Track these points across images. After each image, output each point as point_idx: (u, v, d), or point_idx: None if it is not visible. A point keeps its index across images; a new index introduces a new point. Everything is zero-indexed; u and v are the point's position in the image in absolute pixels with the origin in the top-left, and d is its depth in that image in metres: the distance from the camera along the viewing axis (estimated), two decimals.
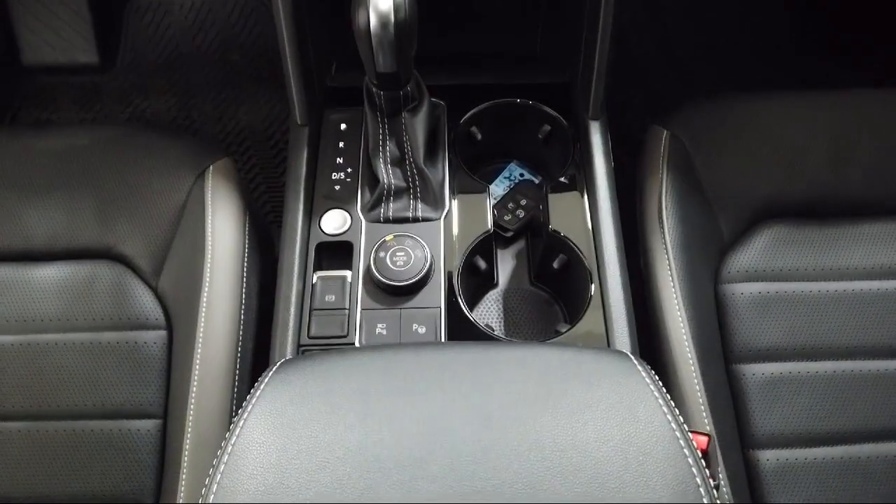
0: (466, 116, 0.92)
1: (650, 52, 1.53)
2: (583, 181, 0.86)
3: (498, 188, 0.92)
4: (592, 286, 0.78)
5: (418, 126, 0.83)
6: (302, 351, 0.75)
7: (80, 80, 1.55)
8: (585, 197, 0.85)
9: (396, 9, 0.68)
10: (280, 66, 0.85)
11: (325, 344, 0.75)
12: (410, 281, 0.77)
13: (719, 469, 0.67)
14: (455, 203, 0.85)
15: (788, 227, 0.90)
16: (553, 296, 0.85)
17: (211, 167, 0.89)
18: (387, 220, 0.83)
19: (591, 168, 0.85)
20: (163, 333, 0.85)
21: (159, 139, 0.94)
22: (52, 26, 1.52)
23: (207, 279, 0.82)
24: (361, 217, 0.83)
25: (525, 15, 1.01)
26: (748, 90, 0.99)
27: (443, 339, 0.75)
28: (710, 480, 0.41)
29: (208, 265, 0.83)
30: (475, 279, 0.84)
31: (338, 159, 0.88)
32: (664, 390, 0.45)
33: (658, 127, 0.92)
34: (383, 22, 0.68)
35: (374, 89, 0.79)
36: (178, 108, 1.53)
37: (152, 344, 0.85)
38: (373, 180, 0.85)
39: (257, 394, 0.45)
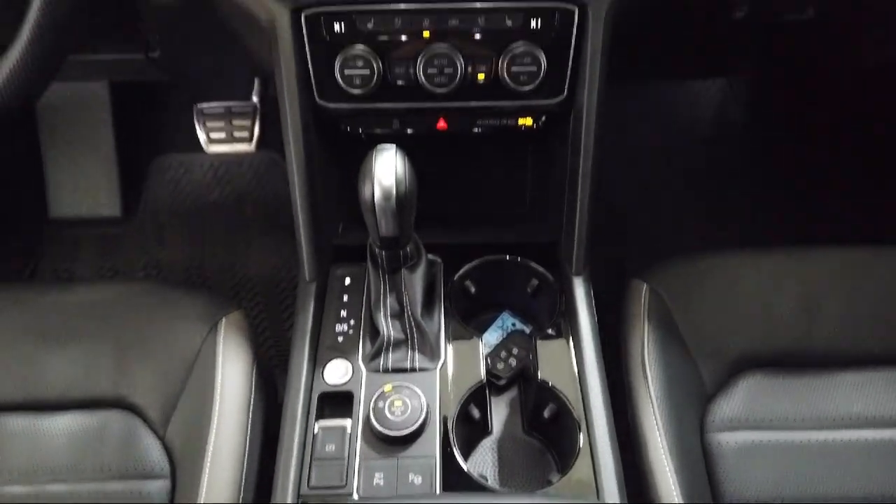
0: (461, 272, 0.99)
1: (633, 207, 1.65)
2: (569, 332, 0.92)
3: (492, 337, 0.98)
4: (581, 436, 0.82)
5: (416, 282, 0.91)
6: (302, 503, 0.77)
7: (101, 232, 1.66)
8: (572, 347, 0.91)
9: (398, 183, 0.77)
10: (291, 220, 0.94)
11: (324, 494, 0.78)
12: (407, 431, 0.80)
13: None
14: (451, 353, 0.90)
15: (768, 377, 0.94)
16: (545, 444, 0.88)
17: (223, 320, 0.95)
18: (386, 370, 0.88)
19: (576, 321, 0.92)
20: (166, 483, 0.87)
21: (175, 294, 1.01)
22: (80, 182, 1.65)
23: (214, 429, 0.86)
24: (362, 367, 0.88)
25: (513, 180, 1.12)
26: (725, 244, 1.08)
27: (438, 490, 0.77)
28: None
29: (216, 415, 0.87)
30: (470, 427, 0.87)
31: (342, 312, 0.95)
32: None
33: (638, 281, 0.99)
34: (386, 195, 0.77)
35: (376, 249, 0.87)
36: (192, 257, 1.62)
37: (156, 493, 0.87)
38: (374, 332, 0.91)
39: None
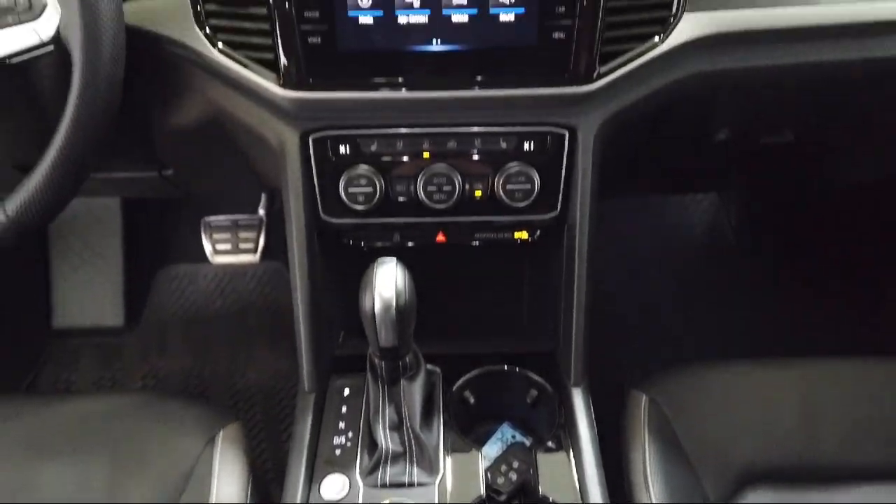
0: (459, 382, 1.00)
1: (631, 317, 1.67)
2: (569, 445, 0.92)
3: (491, 450, 0.96)
4: None
5: (415, 393, 0.91)
6: None
7: (102, 341, 1.67)
8: (573, 461, 0.90)
9: (398, 295, 0.79)
10: (292, 330, 0.96)
11: None
12: None
13: None
14: (449, 467, 0.89)
15: (772, 492, 0.92)
16: None
17: (221, 432, 0.94)
18: (384, 485, 0.86)
19: (576, 433, 0.91)
20: None
21: (172, 405, 1.01)
22: (85, 293, 1.68)
23: None
24: (360, 482, 0.87)
25: (511, 290, 1.15)
26: (724, 353, 1.09)
27: None
28: None
29: None
30: None
31: (340, 423, 0.95)
32: None
33: (637, 392, 0.99)
34: (386, 306, 0.79)
35: (376, 360, 0.88)
36: (192, 366, 1.62)
37: None
38: (372, 444, 0.91)
39: None
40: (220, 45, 0.84)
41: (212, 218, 1.59)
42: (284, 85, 0.85)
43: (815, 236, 1.74)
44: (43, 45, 0.69)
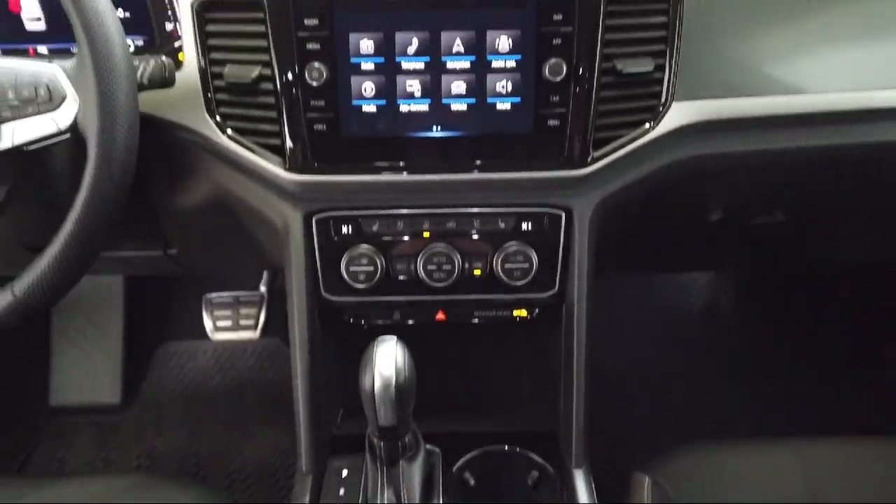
0: (459, 463, 0.98)
1: (632, 395, 1.65)
2: None
3: None
4: None
5: (415, 474, 0.89)
6: None
7: (98, 420, 1.64)
8: None
9: (398, 373, 0.79)
10: (290, 408, 0.95)
11: None
12: None
13: None
14: None
15: None
16: None
17: None
18: None
19: None
20: None
21: (165, 489, 0.99)
22: (83, 370, 1.67)
23: None
24: None
25: (511, 368, 1.15)
26: (725, 433, 1.08)
27: None
28: None
29: None
30: None
31: None
32: None
33: (640, 474, 0.98)
34: (386, 385, 0.79)
35: (375, 440, 0.88)
36: (188, 444, 1.59)
37: None
38: None
39: None
40: (229, 131, 0.88)
41: (213, 295, 1.60)
42: (290, 169, 0.88)
43: (814, 313, 1.74)
44: (60, 133, 0.72)
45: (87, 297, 1.65)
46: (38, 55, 0.98)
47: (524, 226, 0.93)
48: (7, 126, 0.71)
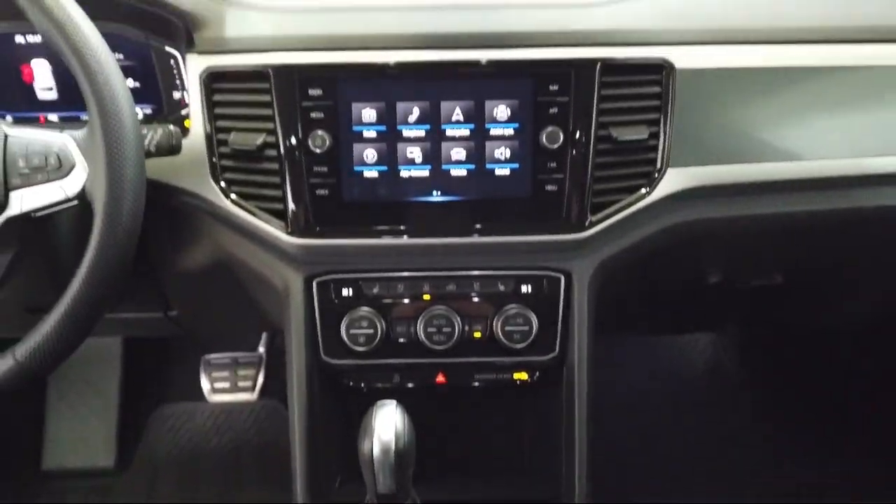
0: None
1: (636, 455, 1.62)
2: None
3: None
4: None
5: None
6: None
7: (91, 484, 1.61)
8: None
9: (397, 438, 0.79)
10: (287, 472, 0.93)
11: None
12: None
13: None
14: None
15: None
16: None
17: None
18: None
19: None
20: None
21: None
22: (78, 433, 1.64)
23: None
24: None
25: (512, 432, 1.13)
26: (731, 498, 1.05)
27: None
28: None
29: None
30: None
31: None
32: None
33: None
34: (385, 450, 0.78)
35: None
36: None
37: None
38: None
39: None
40: (233, 196, 0.90)
41: (212, 356, 1.59)
42: (292, 232, 0.89)
43: (820, 375, 1.73)
44: (68, 200, 0.73)
45: (84, 358, 1.63)
46: (48, 123, 1.01)
47: (524, 289, 0.94)
48: (16, 193, 0.73)
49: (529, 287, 0.94)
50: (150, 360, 1.74)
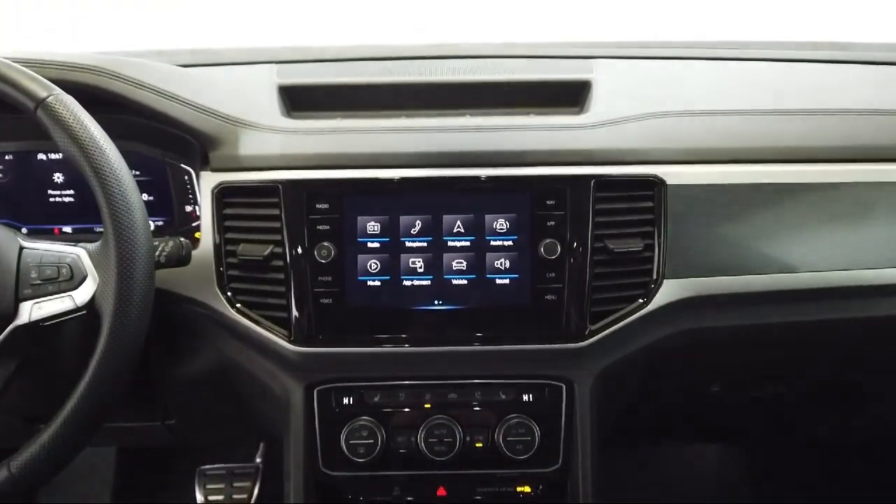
0: None
1: None
2: None
3: None
4: None
5: None
6: None
7: None
8: None
9: None
10: None
11: None
12: None
13: None
14: None
15: None
16: None
17: None
18: None
19: None
20: None
21: None
22: None
23: None
24: None
25: None
26: None
27: None
28: None
29: None
30: None
31: None
32: None
33: None
34: None
35: None
36: None
37: None
38: None
39: None
40: (238, 304, 0.91)
41: (207, 467, 1.55)
42: (294, 340, 0.90)
43: (831, 487, 1.67)
44: (77, 310, 0.75)
45: (76, 470, 1.59)
46: (63, 234, 1.04)
47: (525, 397, 0.94)
48: (26, 304, 0.75)
49: (531, 396, 0.94)
50: (143, 471, 1.69)
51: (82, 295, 0.75)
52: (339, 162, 0.92)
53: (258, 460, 1.58)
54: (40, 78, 0.77)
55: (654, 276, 0.91)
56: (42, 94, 0.75)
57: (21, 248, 0.77)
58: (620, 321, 0.90)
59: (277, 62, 1.15)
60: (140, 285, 0.74)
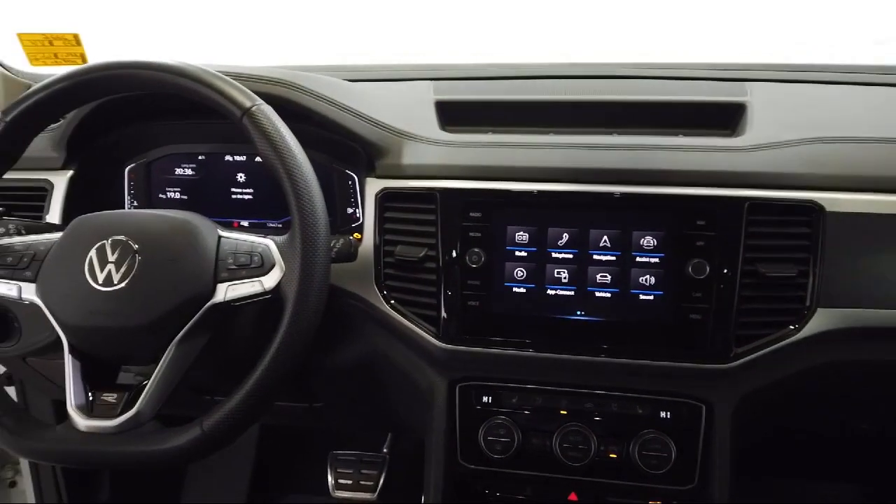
0: None
1: None
2: None
3: None
4: None
5: None
6: None
7: None
8: None
9: None
10: None
11: None
12: None
13: None
14: None
15: None
16: None
17: None
18: None
19: None
20: None
21: None
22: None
23: None
24: None
25: None
26: None
27: None
28: None
29: None
30: None
31: None
32: None
33: None
34: None
35: None
36: None
37: None
38: None
39: None
40: (392, 301, 0.99)
41: (339, 452, 1.65)
42: (441, 338, 0.97)
43: None
44: (264, 294, 0.85)
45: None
46: (240, 227, 1.17)
47: (663, 414, 0.95)
48: (222, 286, 0.85)
49: (668, 413, 0.95)
50: (281, 449, 1.83)
51: (270, 281, 0.84)
52: (493, 174, 0.98)
53: (385, 451, 1.66)
54: (245, 89, 0.87)
55: (808, 304, 0.89)
56: (247, 104, 0.85)
57: (219, 238, 0.88)
58: (768, 346, 0.89)
59: (432, 79, 1.24)
60: (319, 276, 0.83)
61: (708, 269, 0.89)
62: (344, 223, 1.12)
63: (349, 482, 1.61)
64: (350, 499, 1.63)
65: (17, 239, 0.90)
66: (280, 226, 1.17)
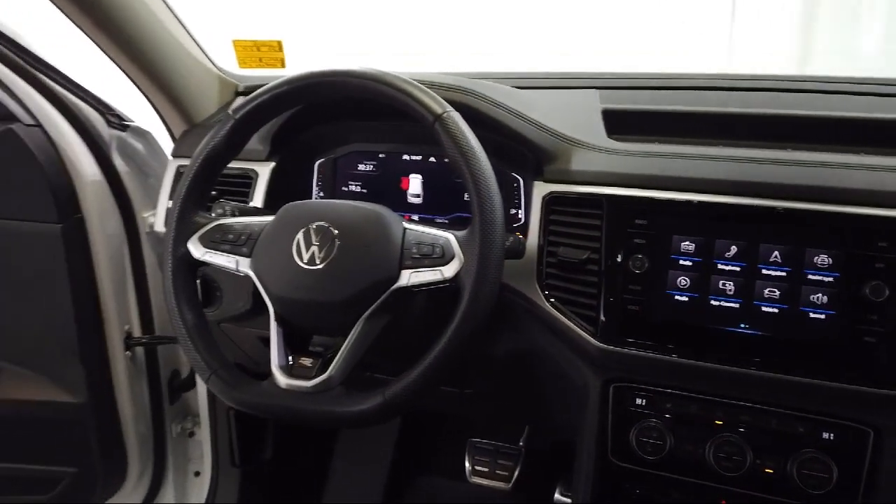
0: None
1: None
2: None
3: None
4: None
5: None
6: None
7: None
8: None
9: None
10: None
11: None
12: None
13: None
14: None
15: None
16: None
17: None
18: None
19: None
20: None
21: None
22: (354, 480, 1.86)
23: None
24: None
25: None
26: None
27: None
28: None
29: None
30: None
31: None
32: None
33: None
34: None
35: None
36: None
37: None
38: None
39: None
40: (552, 299, 1.04)
41: (477, 440, 1.73)
42: (599, 338, 1.01)
43: None
44: (443, 282, 0.93)
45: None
46: (410, 221, 1.27)
47: (825, 435, 0.93)
48: (406, 272, 0.95)
49: (832, 435, 0.93)
50: (422, 432, 1.94)
51: (449, 270, 0.92)
52: (660, 184, 1.00)
53: (521, 444, 1.72)
54: (437, 97, 0.96)
55: None
56: (439, 110, 0.94)
57: (405, 229, 0.98)
58: None
59: (598, 88, 1.28)
60: (494, 269, 0.90)
61: (887, 292, 0.87)
62: (507, 224, 1.18)
63: (486, 469, 1.68)
64: (486, 486, 1.71)
65: (235, 220, 1.05)
66: (447, 221, 1.26)
